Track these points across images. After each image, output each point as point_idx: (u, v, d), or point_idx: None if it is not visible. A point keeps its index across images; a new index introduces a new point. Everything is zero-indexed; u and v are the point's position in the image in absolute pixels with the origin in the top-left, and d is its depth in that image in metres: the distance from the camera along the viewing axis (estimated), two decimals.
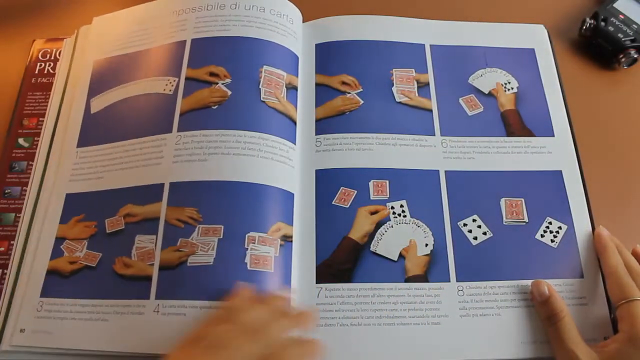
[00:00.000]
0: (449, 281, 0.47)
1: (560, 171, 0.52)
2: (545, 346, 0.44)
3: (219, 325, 0.39)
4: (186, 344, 0.39)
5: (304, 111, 0.54)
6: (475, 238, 0.49)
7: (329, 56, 0.57)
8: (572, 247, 0.49)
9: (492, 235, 0.49)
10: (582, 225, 0.50)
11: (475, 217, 0.49)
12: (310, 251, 0.48)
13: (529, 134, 0.54)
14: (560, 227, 0.49)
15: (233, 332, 0.38)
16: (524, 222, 0.49)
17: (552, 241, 0.49)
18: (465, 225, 0.49)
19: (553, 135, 0.54)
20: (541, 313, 0.45)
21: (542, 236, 0.49)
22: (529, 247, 0.48)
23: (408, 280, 0.47)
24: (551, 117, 0.55)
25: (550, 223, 0.49)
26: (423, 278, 0.47)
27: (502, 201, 0.50)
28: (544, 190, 0.51)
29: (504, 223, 0.49)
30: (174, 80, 0.53)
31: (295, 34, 0.57)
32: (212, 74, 0.52)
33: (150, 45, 0.56)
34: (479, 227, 0.49)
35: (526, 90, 0.56)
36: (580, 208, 0.50)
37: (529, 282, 0.47)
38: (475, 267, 0.48)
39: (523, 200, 0.50)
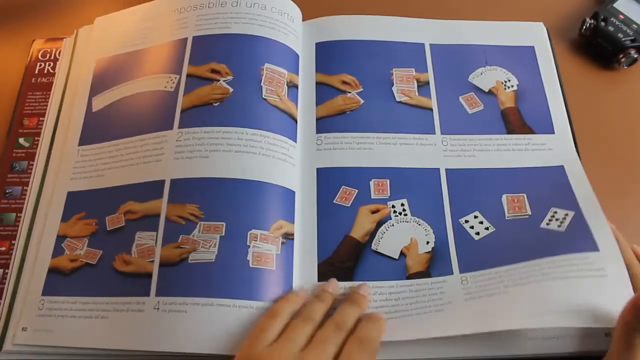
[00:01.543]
0: (452, 274, 0.46)
1: (562, 166, 0.51)
2: (558, 318, 0.40)
3: (305, 323, 0.41)
4: (279, 342, 0.39)
5: (305, 110, 0.54)
6: (478, 233, 0.48)
7: (329, 55, 0.57)
8: (582, 226, 0.46)
9: (494, 229, 0.48)
10: (591, 209, 0.47)
11: (476, 213, 0.49)
12: (312, 250, 0.48)
13: (529, 131, 0.54)
14: (566, 214, 0.47)
15: (324, 328, 0.41)
16: (527, 214, 0.49)
17: (559, 226, 0.47)
18: (467, 222, 0.49)
19: (553, 133, 0.54)
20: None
21: (548, 224, 0.47)
22: (534, 235, 0.47)
23: (410, 277, 0.46)
24: (551, 114, 0.55)
25: (555, 212, 0.48)
26: (425, 274, 0.46)
27: (504, 197, 0.50)
28: (547, 184, 0.50)
29: (507, 218, 0.49)
30: (175, 78, 0.53)
31: (295, 33, 0.57)
32: (213, 71, 0.52)
33: (152, 43, 0.57)
34: (481, 222, 0.49)
35: (526, 88, 0.56)
36: (587, 195, 0.48)
37: (536, 260, 0.44)
38: (479, 258, 0.46)
39: (525, 195, 0.50)
